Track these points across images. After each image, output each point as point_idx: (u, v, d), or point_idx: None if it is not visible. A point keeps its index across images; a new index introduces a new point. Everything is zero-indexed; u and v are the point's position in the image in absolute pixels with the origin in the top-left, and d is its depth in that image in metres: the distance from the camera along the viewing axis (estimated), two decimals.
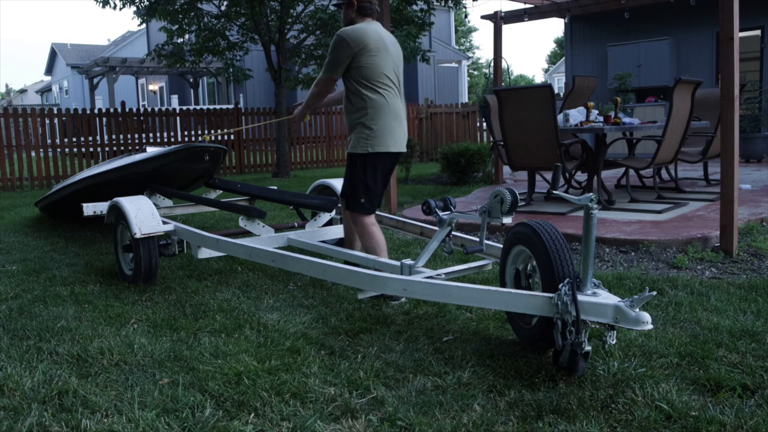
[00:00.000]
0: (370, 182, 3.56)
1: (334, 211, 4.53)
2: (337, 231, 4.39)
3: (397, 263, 3.32)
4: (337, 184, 4.69)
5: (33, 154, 11.40)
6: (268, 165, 13.16)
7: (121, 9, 10.93)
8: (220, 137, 12.91)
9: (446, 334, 2.96)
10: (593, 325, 2.36)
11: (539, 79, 54.10)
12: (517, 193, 2.82)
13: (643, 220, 5.30)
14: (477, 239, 3.34)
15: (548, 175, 7.23)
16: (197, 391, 2.42)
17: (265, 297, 3.70)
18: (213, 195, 5.40)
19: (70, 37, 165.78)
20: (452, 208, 3.13)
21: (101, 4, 10.75)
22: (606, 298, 2.33)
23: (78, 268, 4.60)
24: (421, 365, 2.61)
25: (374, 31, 3.52)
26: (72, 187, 5.51)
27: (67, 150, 11.48)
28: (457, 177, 9.19)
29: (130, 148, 12.06)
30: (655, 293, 2.22)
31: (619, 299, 2.28)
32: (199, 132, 13.29)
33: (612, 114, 6.23)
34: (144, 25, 17.32)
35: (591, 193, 2.31)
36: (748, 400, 2.22)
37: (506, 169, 8.54)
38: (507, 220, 2.85)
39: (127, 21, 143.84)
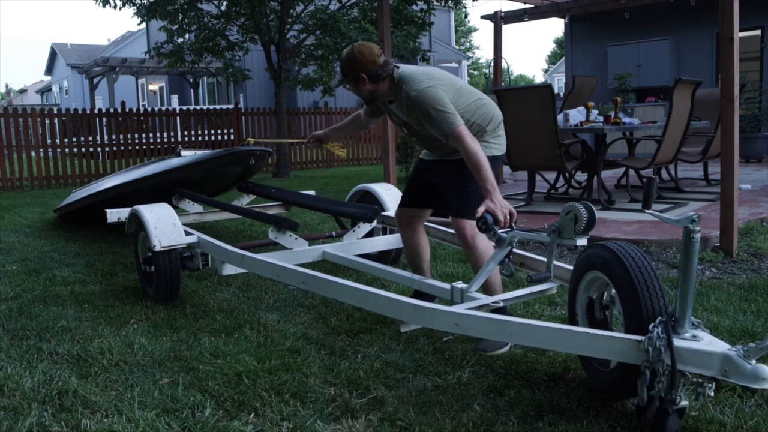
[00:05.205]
0: None
1: (375, 221, 4.09)
2: (378, 243, 4.05)
3: (447, 286, 2.93)
4: (379, 189, 4.34)
5: (33, 154, 11.41)
6: (268, 165, 13.13)
7: (120, 9, 10.94)
8: (216, 137, 12.84)
9: (446, 334, 2.95)
10: (693, 378, 1.89)
11: (539, 79, 54.11)
12: (594, 209, 2.39)
13: (643, 220, 5.30)
14: (538, 257, 3.04)
15: (548, 175, 7.22)
16: (197, 391, 2.43)
17: (265, 297, 3.71)
18: (246, 199, 5.17)
19: (70, 37, 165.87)
20: (513, 224, 2.67)
21: (101, 4, 10.76)
22: (711, 343, 1.87)
23: (78, 268, 4.60)
24: (421, 365, 2.61)
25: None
26: (99, 195, 5.35)
27: (67, 150, 11.48)
28: None
29: (130, 148, 12.06)
30: None
31: (729, 347, 1.83)
32: (200, 132, 13.30)
33: (612, 114, 6.23)
34: (144, 25, 17.31)
35: (693, 212, 1.89)
36: (748, 400, 2.22)
37: (506, 168, 8.53)
38: (582, 242, 2.43)
39: (127, 21, 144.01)
